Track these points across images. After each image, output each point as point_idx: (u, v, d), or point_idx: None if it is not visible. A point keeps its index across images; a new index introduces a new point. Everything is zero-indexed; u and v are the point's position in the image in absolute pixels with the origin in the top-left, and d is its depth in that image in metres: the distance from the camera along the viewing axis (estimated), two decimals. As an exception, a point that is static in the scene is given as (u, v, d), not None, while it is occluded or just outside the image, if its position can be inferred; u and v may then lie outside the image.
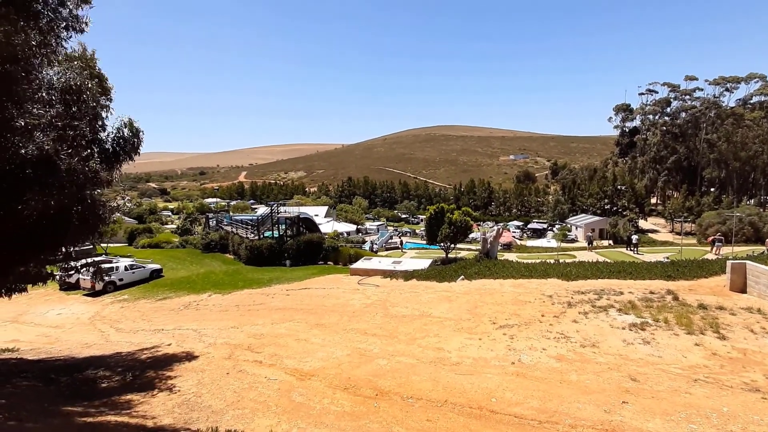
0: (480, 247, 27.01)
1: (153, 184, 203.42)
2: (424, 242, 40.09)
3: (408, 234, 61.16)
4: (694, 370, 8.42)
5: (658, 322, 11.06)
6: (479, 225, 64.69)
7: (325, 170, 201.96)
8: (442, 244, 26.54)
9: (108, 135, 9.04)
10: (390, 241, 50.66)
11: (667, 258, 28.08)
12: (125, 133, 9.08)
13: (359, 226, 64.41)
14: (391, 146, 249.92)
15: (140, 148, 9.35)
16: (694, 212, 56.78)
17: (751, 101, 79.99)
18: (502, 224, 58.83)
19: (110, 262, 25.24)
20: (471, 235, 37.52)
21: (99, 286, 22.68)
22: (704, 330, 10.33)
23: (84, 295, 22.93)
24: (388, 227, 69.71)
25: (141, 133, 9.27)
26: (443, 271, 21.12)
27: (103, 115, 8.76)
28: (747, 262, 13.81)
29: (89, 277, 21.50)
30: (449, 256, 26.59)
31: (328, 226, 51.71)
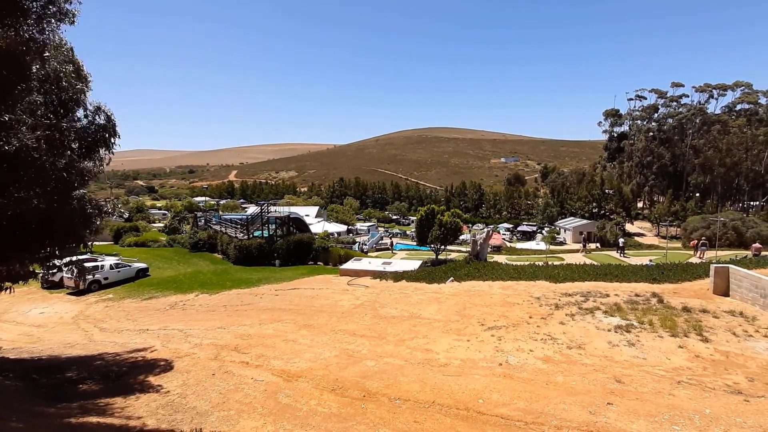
0: (470, 249, 27.15)
1: (141, 182, 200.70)
2: (415, 243, 40.11)
3: (398, 235, 61.16)
4: (678, 372, 8.54)
5: (643, 324, 11.21)
6: (469, 227, 65.03)
7: (317, 170, 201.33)
8: (432, 246, 26.59)
9: (82, 123, 8.85)
10: (380, 242, 50.61)
11: (651, 261, 28.51)
12: (99, 120, 8.89)
13: (350, 227, 64.16)
14: (383, 147, 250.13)
15: (117, 134, 9.13)
16: (679, 216, 57.73)
17: (736, 108, 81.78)
18: (492, 226, 59.30)
19: (95, 260, 24.79)
20: (461, 237, 37.66)
21: (83, 284, 22.25)
22: (688, 332, 10.50)
23: (68, 293, 22.48)
24: (379, 228, 69.62)
25: (113, 117, 9.06)
26: (433, 272, 21.16)
27: (83, 103, 8.57)
28: (730, 266, 14.08)
29: (73, 276, 21.09)
30: (439, 257, 26.65)
31: (318, 227, 51.48)
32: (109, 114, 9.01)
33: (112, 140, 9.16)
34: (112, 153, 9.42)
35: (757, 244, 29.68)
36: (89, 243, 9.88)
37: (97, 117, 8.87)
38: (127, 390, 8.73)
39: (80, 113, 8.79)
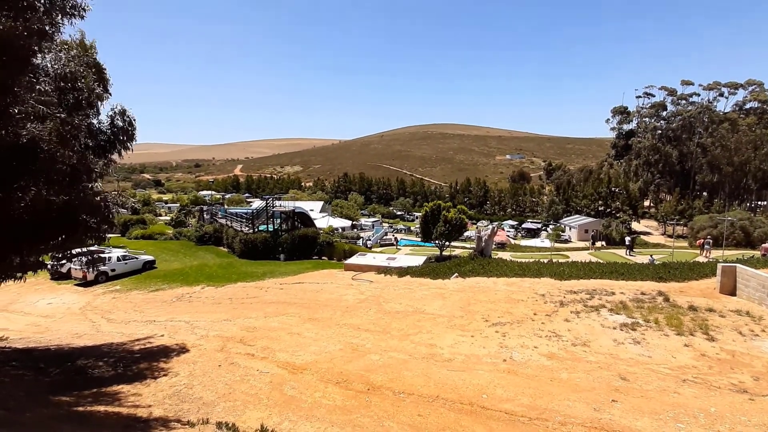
0: (474, 246, 27.11)
1: (147, 176, 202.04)
2: (419, 239, 40.24)
3: (403, 231, 61.29)
4: (683, 370, 8.52)
5: (648, 322, 11.17)
6: (474, 223, 64.96)
7: (322, 165, 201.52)
8: (436, 242, 26.62)
9: (102, 124, 8.96)
10: (385, 237, 50.69)
11: (653, 257, 28.39)
12: (119, 123, 8.99)
13: (354, 222, 64.36)
14: (388, 143, 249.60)
15: (134, 138, 9.27)
16: (686, 215, 57.31)
17: (746, 107, 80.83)
18: (496, 223, 59.16)
19: (102, 252, 25.01)
20: (466, 234, 37.69)
21: (90, 276, 22.50)
22: (694, 331, 10.45)
23: (75, 285, 22.74)
24: (384, 224, 69.76)
25: (134, 122, 9.18)
26: (437, 268, 21.17)
27: (99, 104, 8.66)
28: (737, 265, 13.97)
29: (81, 267, 21.28)
30: (444, 253, 26.65)
31: (323, 222, 51.69)
32: (132, 119, 9.14)
33: (129, 143, 9.29)
34: (125, 153, 9.52)
35: (767, 245, 29.43)
36: (104, 237, 9.93)
37: (117, 119, 8.98)
38: (135, 380, 8.84)
39: (102, 116, 8.91)
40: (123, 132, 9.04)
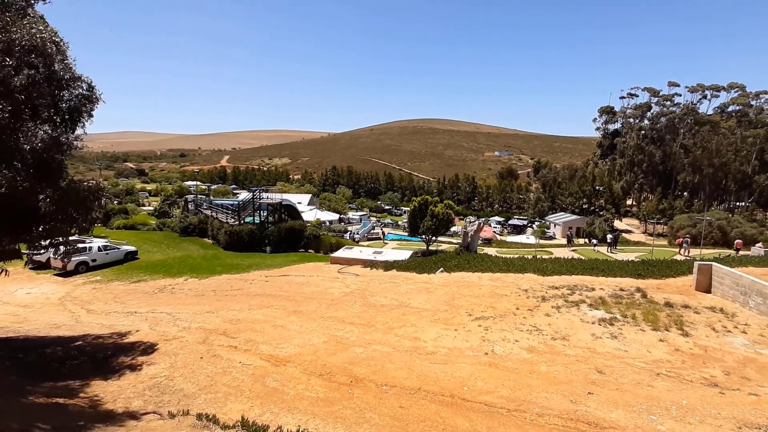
0: (461, 241, 27.34)
1: (130, 164, 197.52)
2: (406, 234, 40.30)
3: (390, 225, 61.35)
4: (658, 364, 8.77)
5: (626, 317, 11.45)
6: (461, 219, 65.50)
7: (310, 158, 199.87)
8: (423, 236, 26.73)
9: (65, 93, 8.49)
10: (372, 231, 50.73)
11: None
12: (82, 90, 8.54)
13: (342, 216, 64.25)
14: (377, 137, 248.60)
15: (98, 102, 8.77)
16: (667, 215, 58.67)
17: (728, 110, 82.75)
18: (483, 219, 59.68)
19: (83, 241, 24.49)
20: (452, 229, 37.98)
21: (70, 266, 22.04)
22: (669, 327, 10.75)
23: (54, 274, 22.23)
24: (371, 218, 69.75)
25: (93, 86, 8.68)
26: (423, 262, 21.30)
27: (74, 76, 8.21)
28: (713, 263, 14.39)
29: (59, 256, 20.80)
30: (430, 248, 26.80)
31: (310, 214, 51.45)
32: (90, 84, 8.64)
33: (94, 108, 8.80)
34: (89, 123, 9.02)
35: (760, 244, 30.39)
36: (88, 229, 9.56)
37: (77, 88, 8.53)
38: (114, 371, 8.73)
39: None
40: (85, 99, 8.55)
